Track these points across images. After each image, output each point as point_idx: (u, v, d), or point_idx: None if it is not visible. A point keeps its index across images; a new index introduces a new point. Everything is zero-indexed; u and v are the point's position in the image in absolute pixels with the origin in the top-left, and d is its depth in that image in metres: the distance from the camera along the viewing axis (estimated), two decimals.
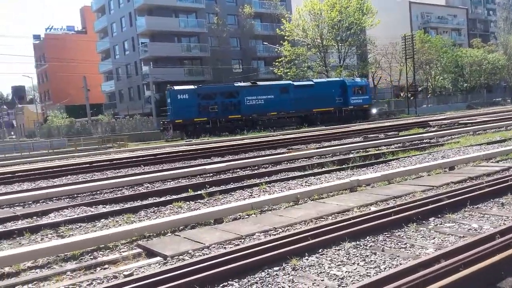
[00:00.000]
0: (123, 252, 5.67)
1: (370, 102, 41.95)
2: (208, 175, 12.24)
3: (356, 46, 51.74)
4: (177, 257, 5.24)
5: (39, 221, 7.69)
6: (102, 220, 7.51)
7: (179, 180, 11.66)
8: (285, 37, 47.25)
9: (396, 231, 5.71)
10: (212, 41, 55.03)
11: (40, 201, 9.71)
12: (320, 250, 5.07)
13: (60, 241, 5.99)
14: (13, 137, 63.22)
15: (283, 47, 47.41)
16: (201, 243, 5.65)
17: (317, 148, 17.05)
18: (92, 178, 13.14)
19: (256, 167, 13.29)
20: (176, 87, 34.67)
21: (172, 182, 11.47)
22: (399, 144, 16.85)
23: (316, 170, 11.48)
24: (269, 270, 4.57)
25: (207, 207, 7.97)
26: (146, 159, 17.17)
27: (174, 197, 8.99)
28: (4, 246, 6.39)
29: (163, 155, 18.17)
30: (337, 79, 41.88)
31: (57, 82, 66.79)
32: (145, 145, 30.58)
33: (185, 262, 4.90)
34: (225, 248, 5.48)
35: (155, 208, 8.18)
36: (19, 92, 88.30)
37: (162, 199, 9.02)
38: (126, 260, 5.37)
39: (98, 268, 5.19)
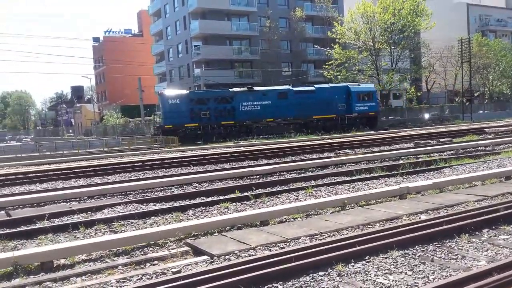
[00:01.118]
0: (171, 249, 5.84)
1: (376, 110, 38.87)
2: (254, 177, 12.33)
3: (409, 49, 50.30)
4: (223, 256, 5.33)
5: (93, 216, 8.05)
6: (153, 217, 7.75)
7: (227, 181, 11.82)
8: (336, 40, 46.75)
9: (447, 241, 5.53)
10: (262, 44, 55.37)
11: (95, 197, 10.15)
12: (366, 257, 5.01)
13: (113, 236, 6.25)
14: (71, 134, 66.25)
15: (334, 50, 46.88)
16: (247, 244, 5.71)
17: (365, 153, 16.76)
18: (144, 177, 13.57)
19: (303, 171, 13.24)
20: (167, 92, 33.85)
21: (219, 183, 11.64)
22: (452, 151, 16.25)
23: (364, 176, 11.30)
24: (314, 275, 4.56)
25: (253, 209, 8.05)
26: (195, 159, 17.51)
27: (221, 197, 9.13)
28: (60, 239, 6.72)
29: (212, 156, 18.47)
30: (341, 84, 39.60)
31: (114, 83, 69.41)
32: (194, 146, 31.14)
33: (231, 262, 4.99)
34: (270, 250, 5.52)
35: (203, 208, 8.34)
36: (78, 92, 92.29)
37: (210, 199, 9.18)
38: (174, 257, 5.52)
39: (148, 264, 5.37)
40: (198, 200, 9.17)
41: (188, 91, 34.35)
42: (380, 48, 47.71)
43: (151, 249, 5.94)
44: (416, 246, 5.34)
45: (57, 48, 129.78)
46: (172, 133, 31.48)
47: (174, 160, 17.84)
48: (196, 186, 11.25)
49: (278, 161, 16.23)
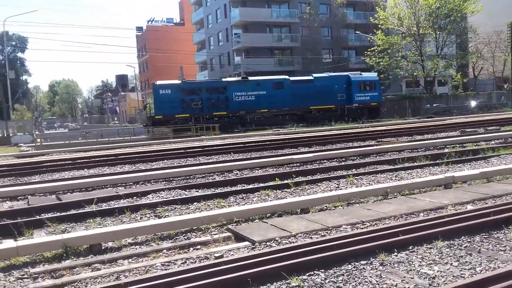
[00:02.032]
0: (214, 234, 5.95)
1: (379, 100, 37.55)
2: (295, 164, 12.32)
3: (455, 35, 48.44)
4: (264, 243, 5.39)
5: (138, 201, 8.29)
6: (195, 203, 7.90)
7: (267, 169, 11.87)
8: (379, 26, 45.60)
9: (495, 232, 5.36)
10: (303, 31, 54.80)
11: (140, 183, 10.44)
12: (410, 247, 4.93)
13: (157, 221, 6.43)
14: (116, 122, 68.18)
15: (376, 36, 45.76)
16: (288, 231, 5.74)
17: (408, 142, 16.38)
18: (186, 163, 13.84)
19: (344, 159, 13.11)
20: (159, 82, 33.63)
21: (260, 170, 11.71)
22: (500, 140, 15.61)
23: (407, 164, 11.06)
24: (356, 263, 4.54)
25: (294, 197, 8.07)
26: (235, 147, 17.67)
27: (262, 185, 9.19)
28: (108, 223, 6.97)
29: (251, 144, 18.57)
30: (341, 74, 38.02)
31: (156, 71, 70.64)
32: (234, 134, 31.38)
33: (272, 248, 5.03)
34: (311, 238, 5.53)
35: (244, 195, 8.43)
36: (122, 80, 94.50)
37: (250, 186, 9.26)
38: (216, 243, 5.62)
39: (191, 248, 5.49)
40: (239, 187, 9.28)
41: (179, 81, 33.83)
42: (424, 34, 46.17)
43: (194, 234, 6.07)
44: (462, 237, 5.20)
45: (103, 38, 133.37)
46: (162, 124, 31.43)
47: (215, 147, 18.07)
48: (236, 173, 11.37)
49: (318, 149, 16.13)
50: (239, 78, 35.56)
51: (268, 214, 6.77)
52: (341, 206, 7.23)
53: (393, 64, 46.44)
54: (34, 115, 70.17)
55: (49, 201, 8.64)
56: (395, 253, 4.78)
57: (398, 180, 9.17)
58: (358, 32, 53.10)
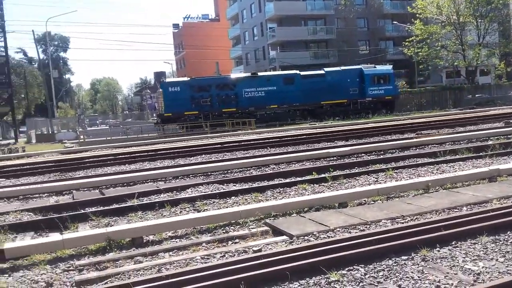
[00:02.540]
0: (251, 228, 5.99)
1: (394, 93, 36.09)
2: (331, 158, 12.22)
3: (497, 22, 46.52)
4: (302, 237, 5.38)
5: (178, 196, 8.44)
6: (233, 197, 7.97)
7: (303, 163, 11.83)
8: (417, 15, 44.37)
9: None
10: (338, 23, 54.06)
11: (179, 177, 10.63)
12: (453, 242, 4.80)
13: (197, 214, 6.53)
14: (155, 118, 69.31)
15: (414, 26, 44.56)
16: (326, 225, 5.71)
17: (450, 134, 15.90)
18: (223, 158, 13.97)
19: (382, 152, 12.89)
20: (168, 80, 33.48)
21: (296, 164, 11.68)
22: None
23: (448, 157, 10.74)
24: (397, 259, 4.46)
25: (331, 191, 8.00)
26: (271, 141, 17.69)
27: (299, 179, 9.16)
28: (149, 217, 7.13)
29: (288, 138, 18.53)
30: (353, 67, 36.72)
31: (193, 67, 71.49)
32: (270, 128, 31.39)
33: (310, 243, 5.02)
34: (350, 232, 5.48)
35: (281, 189, 8.43)
36: (160, 77, 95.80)
37: (287, 180, 9.25)
38: (254, 237, 5.66)
39: (230, 242, 5.55)
40: (276, 181, 9.28)
41: (188, 79, 33.80)
42: (465, 22, 44.57)
43: (232, 227, 6.12)
44: (508, 232, 5.02)
45: (141, 35, 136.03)
46: (171, 121, 31.66)
47: (251, 142, 18.13)
48: (273, 168, 11.38)
49: (355, 143, 15.92)
50: (249, 74, 35.27)
51: (306, 208, 6.75)
52: (380, 200, 7.11)
53: (432, 54, 45.14)
54: (77, 112, 72.55)
55: (93, 196, 8.93)
56: (438, 249, 4.66)
57: (440, 173, 8.94)
58: (395, 22, 51.88)
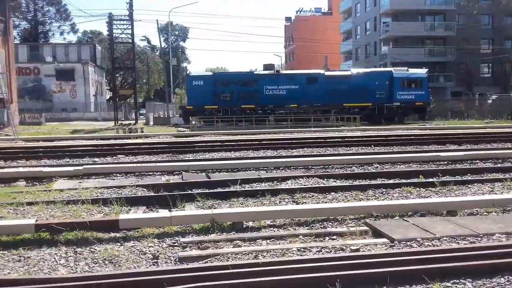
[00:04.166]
0: (350, 227, 5.87)
1: (426, 99, 33.30)
2: (441, 162, 11.50)
3: None
4: (404, 242, 5.15)
5: (278, 186, 8.56)
6: (332, 193, 7.86)
7: (410, 165, 11.30)
8: None
9: None
10: (459, 19, 50.39)
11: (280, 168, 10.78)
12: None
13: (295, 206, 6.57)
14: None
15: None
16: (431, 233, 5.40)
17: None
18: (325, 153, 13.86)
19: (500, 160, 11.83)
20: (193, 73, 33.52)
21: (402, 166, 11.20)
22: None
23: None
24: (510, 277, 4.08)
25: (439, 196, 7.55)
26: (376, 139, 17.15)
27: (404, 181, 8.76)
28: (249, 203, 7.33)
29: (394, 137, 17.83)
30: (383, 69, 33.63)
31: (301, 61, 71.63)
32: (375, 125, 30.48)
33: (413, 249, 4.79)
34: (457, 243, 5.12)
35: (383, 190, 8.13)
36: (269, 69, 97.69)
37: (391, 181, 8.91)
38: (352, 235, 5.54)
39: (327, 238, 5.50)
40: (379, 181, 8.98)
41: (212, 73, 33.81)
42: None
43: (330, 223, 6.06)
44: None
45: (254, 27, 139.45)
46: (192, 114, 31.80)
47: (355, 138, 17.74)
48: (377, 167, 11.04)
49: (469, 148, 14.80)
50: (272, 72, 34.54)
51: (410, 213, 6.44)
52: (495, 212, 6.54)
53: None
54: None
55: (200, 178, 9.45)
56: None
57: None
58: None
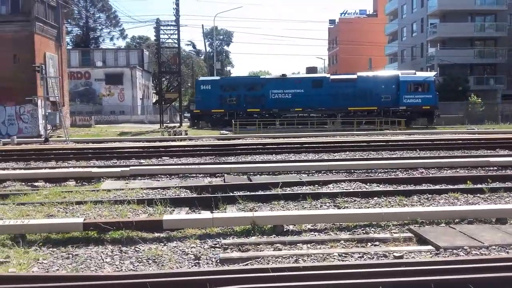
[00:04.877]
0: (393, 233, 5.75)
1: (433, 103, 32.22)
2: (491, 168, 11.06)
3: None
4: (450, 250, 4.99)
5: (319, 190, 8.48)
6: (375, 198, 7.73)
7: (457, 170, 10.93)
8: None
9: None
10: (511, 20, 48.26)
11: (322, 172, 10.71)
12: None
13: (337, 211, 6.51)
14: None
15: None
16: (479, 241, 5.20)
17: None
18: (368, 157, 13.63)
19: None
20: (202, 78, 34.36)
21: (448, 171, 10.86)
22: None
23: None
24: None
25: (488, 203, 7.28)
26: (421, 143, 16.71)
27: (450, 187, 8.48)
28: (290, 206, 7.31)
29: (440, 142, 17.31)
30: (390, 73, 32.64)
31: (346, 64, 70.69)
32: (421, 129, 29.72)
33: (460, 257, 4.64)
34: (507, 252, 4.91)
35: (429, 195, 7.91)
36: (312, 72, 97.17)
37: (437, 187, 8.66)
38: (396, 242, 5.43)
39: (369, 244, 5.41)
40: (424, 187, 8.75)
41: (219, 78, 34.23)
42: None
43: (372, 229, 5.96)
44: None
45: (296, 31, 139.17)
46: (200, 118, 32.99)
47: (399, 143, 17.35)
48: (422, 172, 10.75)
49: None
50: (278, 75, 34.70)
51: (456, 220, 6.24)
52: None
53: None
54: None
55: (241, 181, 9.52)
56: None
57: None
58: None
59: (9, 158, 14.35)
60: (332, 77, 34.35)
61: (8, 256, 4.97)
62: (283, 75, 35.37)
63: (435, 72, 35.23)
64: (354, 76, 33.78)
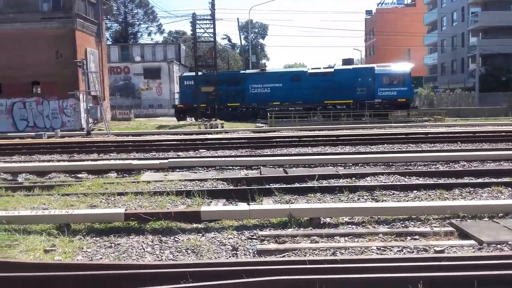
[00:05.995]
0: (434, 227, 5.63)
1: (408, 96, 31.97)
2: None
3: None
4: (494, 245, 4.84)
5: (356, 182, 8.36)
6: (415, 191, 7.56)
7: (501, 163, 10.56)
8: None
9: None
10: None
11: (359, 164, 10.59)
12: None
13: (375, 204, 6.43)
14: None
15: None
16: None
17: None
18: (407, 149, 13.36)
19: None
20: (184, 74, 35.15)
21: (492, 164, 10.51)
22: None
23: None
24: None
25: None
26: (462, 135, 16.24)
27: (494, 180, 8.20)
28: (326, 199, 7.25)
29: (483, 134, 16.76)
30: (366, 66, 31.57)
31: (382, 55, 69.25)
32: (462, 121, 28.82)
33: (504, 252, 4.50)
34: None
35: (471, 189, 7.67)
36: (348, 64, 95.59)
37: (479, 180, 8.37)
38: (436, 236, 5.31)
39: (408, 237, 5.32)
40: (466, 180, 8.48)
41: (201, 73, 34.00)
42: None
43: (412, 223, 5.84)
44: None
45: (332, 22, 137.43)
46: (183, 112, 34.05)
47: (440, 135, 16.91)
48: (463, 165, 10.44)
49: None
50: (258, 70, 35.05)
51: (500, 214, 6.04)
52: None
53: None
54: None
55: (277, 173, 9.54)
56: None
57: None
58: None
59: (54, 150, 14.91)
60: (310, 71, 34.30)
61: (54, 245, 5.18)
62: (263, 69, 36.34)
63: (412, 65, 34.69)
64: (331, 70, 34.06)
